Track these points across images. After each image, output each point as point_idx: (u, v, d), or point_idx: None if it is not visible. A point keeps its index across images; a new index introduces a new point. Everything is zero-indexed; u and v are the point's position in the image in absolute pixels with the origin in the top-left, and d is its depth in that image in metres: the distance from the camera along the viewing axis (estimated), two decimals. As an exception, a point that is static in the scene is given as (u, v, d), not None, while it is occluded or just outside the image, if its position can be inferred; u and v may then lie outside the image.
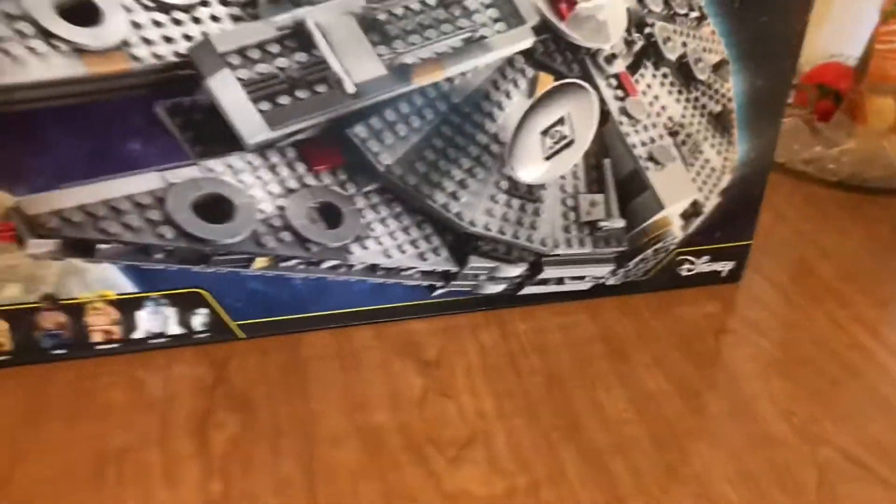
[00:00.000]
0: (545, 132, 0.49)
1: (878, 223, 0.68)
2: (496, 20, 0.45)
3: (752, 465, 0.44)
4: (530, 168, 0.49)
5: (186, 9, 0.41)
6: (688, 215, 0.55)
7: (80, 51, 0.39)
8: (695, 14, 0.49)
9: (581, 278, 0.55)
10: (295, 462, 0.42)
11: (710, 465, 0.43)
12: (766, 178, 0.56)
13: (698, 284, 0.58)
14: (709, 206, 0.55)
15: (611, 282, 0.56)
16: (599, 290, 0.56)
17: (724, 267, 0.58)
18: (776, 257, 0.62)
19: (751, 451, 0.45)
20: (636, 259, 0.55)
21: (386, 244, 0.49)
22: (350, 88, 0.44)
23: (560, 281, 0.55)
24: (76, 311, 0.46)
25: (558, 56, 0.47)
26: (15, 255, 0.43)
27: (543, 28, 0.46)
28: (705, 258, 0.57)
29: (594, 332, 0.53)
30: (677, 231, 0.55)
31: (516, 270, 0.53)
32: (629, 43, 0.48)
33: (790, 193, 0.72)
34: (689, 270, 0.58)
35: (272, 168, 0.45)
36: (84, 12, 0.39)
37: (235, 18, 0.41)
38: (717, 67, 0.51)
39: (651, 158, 0.52)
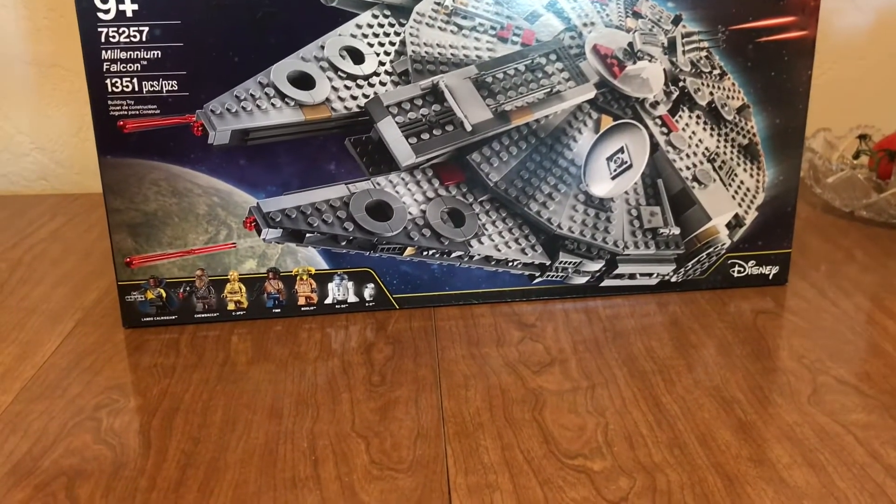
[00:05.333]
0: (609, 158, 0.68)
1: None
2: (568, 79, 0.66)
3: (762, 381, 0.59)
4: (600, 185, 0.69)
5: (365, 78, 0.65)
6: (732, 226, 0.72)
7: (300, 105, 0.64)
8: (717, 71, 0.68)
9: (649, 275, 0.72)
10: (427, 369, 0.61)
11: (726, 380, 0.59)
12: (796, 195, 0.72)
13: (751, 285, 0.74)
14: (749, 219, 0.72)
15: (674, 279, 0.73)
16: (665, 286, 0.73)
17: (770, 270, 0.74)
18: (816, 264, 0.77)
19: (763, 374, 0.60)
20: (693, 260, 0.72)
21: (496, 241, 0.69)
22: (468, 128, 0.66)
23: (633, 276, 0.72)
24: (289, 280, 0.68)
25: (614, 103, 0.68)
26: (254, 239, 0.67)
27: (602, 84, 0.67)
28: (752, 262, 0.73)
29: (658, 314, 0.70)
30: (724, 238, 0.72)
31: (596, 266, 0.71)
32: (668, 93, 0.68)
33: (858, 235, 0.86)
34: (740, 272, 0.74)
35: (417, 183, 0.67)
36: (304, 81, 0.64)
37: (395, 83, 0.65)
38: (741, 110, 0.69)
39: (695, 179, 0.70)
